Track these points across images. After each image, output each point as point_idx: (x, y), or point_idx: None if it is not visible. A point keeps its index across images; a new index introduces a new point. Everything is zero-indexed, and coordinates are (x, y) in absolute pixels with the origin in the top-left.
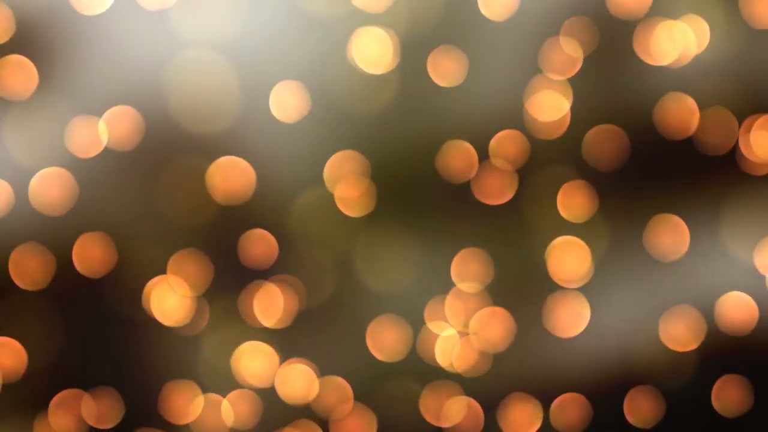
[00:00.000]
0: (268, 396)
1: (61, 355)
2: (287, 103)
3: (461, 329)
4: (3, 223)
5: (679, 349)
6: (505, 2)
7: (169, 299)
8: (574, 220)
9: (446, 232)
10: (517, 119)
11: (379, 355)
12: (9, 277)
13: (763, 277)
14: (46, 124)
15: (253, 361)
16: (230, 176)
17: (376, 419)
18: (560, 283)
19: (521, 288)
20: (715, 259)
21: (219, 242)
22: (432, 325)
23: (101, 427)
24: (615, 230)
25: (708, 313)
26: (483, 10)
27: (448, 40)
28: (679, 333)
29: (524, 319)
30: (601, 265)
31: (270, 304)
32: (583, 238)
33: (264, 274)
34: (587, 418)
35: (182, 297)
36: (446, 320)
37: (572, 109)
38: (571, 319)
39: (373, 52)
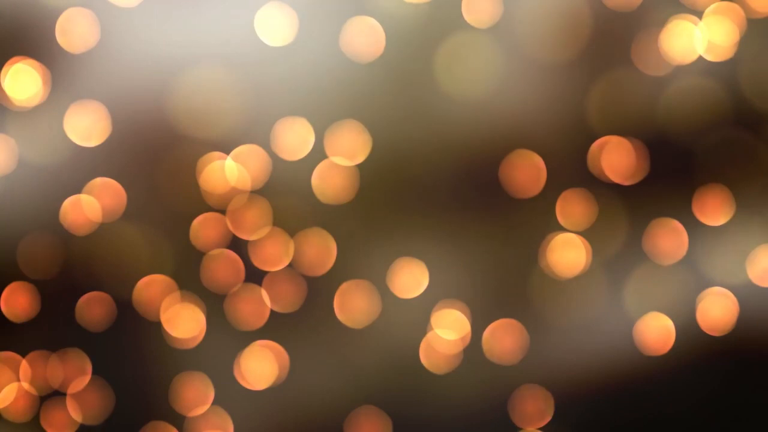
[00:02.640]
0: (271, 397)
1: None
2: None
3: (466, 331)
4: (9, 215)
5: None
6: (489, 10)
7: (170, 303)
8: (574, 229)
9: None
10: (511, 122)
11: (385, 356)
12: (17, 266)
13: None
14: (48, 120)
15: (257, 361)
16: (226, 177)
17: (391, 421)
18: (561, 275)
19: (524, 287)
20: (712, 261)
21: (217, 241)
22: (437, 325)
23: (105, 419)
24: (616, 233)
25: (694, 313)
26: (467, 17)
27: (436, 44)
28: (674, 330)
29: (528, 317)
30: (603, 265)
31: (265, 305)
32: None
33: (263, 273)
34: (592, 411)
35: (184, 303)
36: (450, 321)
37: (569, 112)
38: (573, 315)
39: (363, 42)
